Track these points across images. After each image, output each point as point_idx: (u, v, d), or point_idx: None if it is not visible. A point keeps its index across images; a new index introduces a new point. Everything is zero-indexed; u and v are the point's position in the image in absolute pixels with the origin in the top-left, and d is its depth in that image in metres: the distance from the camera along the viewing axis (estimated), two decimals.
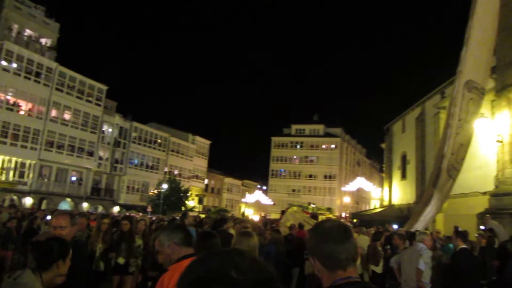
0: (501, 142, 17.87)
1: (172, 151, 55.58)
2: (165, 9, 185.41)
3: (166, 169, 53.09)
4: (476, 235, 13.05)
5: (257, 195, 63.49)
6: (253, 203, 66.37)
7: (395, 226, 18.49)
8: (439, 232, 16.08)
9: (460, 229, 7.76)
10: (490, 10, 13.86)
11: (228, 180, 73.20)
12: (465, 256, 6.52)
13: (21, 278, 2.75)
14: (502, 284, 7.47)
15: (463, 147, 12.10)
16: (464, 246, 6.68)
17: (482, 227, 14.39)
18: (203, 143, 64.40)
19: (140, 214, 30.71)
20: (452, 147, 11.67)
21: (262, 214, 54.74)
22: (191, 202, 52.13)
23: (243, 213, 67.00)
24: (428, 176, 20.35)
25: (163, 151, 53.70)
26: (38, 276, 2.82)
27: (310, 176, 74.87)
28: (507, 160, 17.46)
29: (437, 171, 11.34)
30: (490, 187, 18.65)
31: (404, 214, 27.06)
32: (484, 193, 19.23)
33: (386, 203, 39.42)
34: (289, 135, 78.62)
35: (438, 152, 10.96)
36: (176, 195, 46.62)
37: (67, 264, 3.04)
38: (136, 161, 49.03)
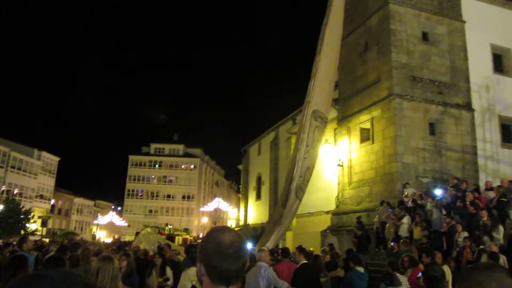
0: (341, 166, 20.02)
1: (13, 167, 49.45)
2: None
3: (3, 188, 46.94)
4: (322, 249, 14.25)
5: (111, 216, 60.05)
6: (106, 225, 62.53)
7: (249, 245, 19.16)
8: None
9: (303, 246, 8.38)
10: (334, 49, 15.63)
11: (79, 200, 67.77)
12: (305, 270, 7.06)
13: None
14: None
15: (309, 170, 13.22)
16: (305, 261, 7.24)
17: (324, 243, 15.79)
18: (51, 159, 58.78)
19: None
20: (300, 170, 12.67)
21: (116, 236, 51.83)
22: (33, 225, 46.82)
23: (94, 236, 62.57)
24: (279, 196, 21.70)
25: (1, 167, 47.51)
26: None
27: (168, 196, 73.66)
28: (346, 182, 19.60)
29: (286, 192, 12.16)
30: (332, 206, 20.67)
31: (258, 233, 28.25)
32: (327, 212, 21.22)
33: (242, 222, 40.73)
34: (148, 154, 76.58)
35: (288, 175, 11.79)
36: (15, 217, 41.42)
37: None
38: None
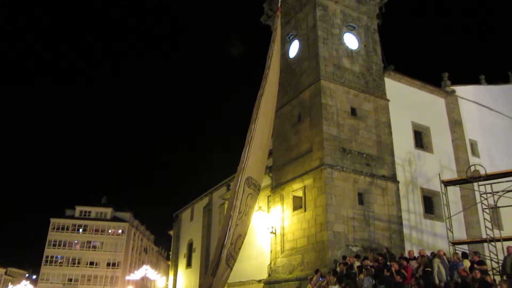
0: (274, 233, 19.92)
1: None
2: None
3: None
4: None
5: (23, 286, 54.55)
6: None
7: None
8: None
9: None
10: (269, 119, 16.08)
11: None
12: None
13: None
14: None
15: (241, 237, 12.94)
16: None
17: None
18: None
19: None
20: (232, 237, 12.39)
21: None
22: None
23: None
24: (209, 265, 20.98)
25: None
26: None
27: (92, 263, 68.70)
28: (279, 250, 19.44)
29: (217, 260, 11.74)
30: (264, 275, 20.25)
31: None
32: (259, 281, 20.72)
33: None
34: (72, 217, 72.01)
35: (219, 242, 11.45)
36: None
37: None
38: None
